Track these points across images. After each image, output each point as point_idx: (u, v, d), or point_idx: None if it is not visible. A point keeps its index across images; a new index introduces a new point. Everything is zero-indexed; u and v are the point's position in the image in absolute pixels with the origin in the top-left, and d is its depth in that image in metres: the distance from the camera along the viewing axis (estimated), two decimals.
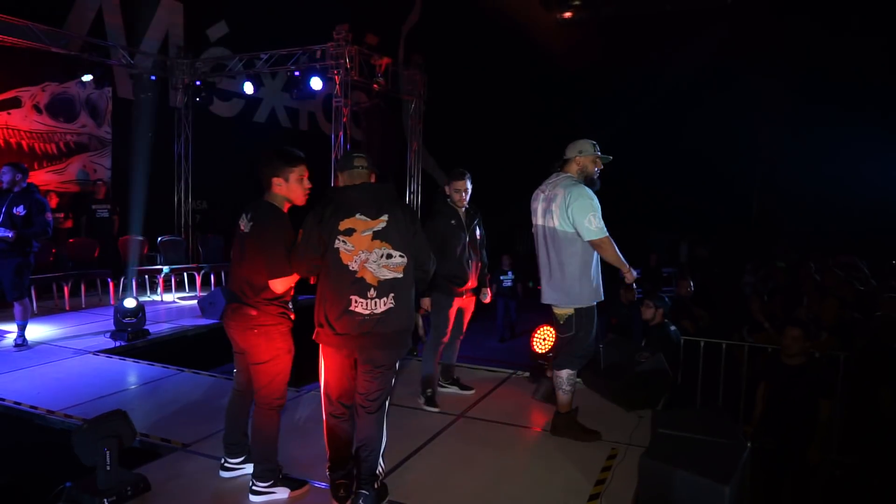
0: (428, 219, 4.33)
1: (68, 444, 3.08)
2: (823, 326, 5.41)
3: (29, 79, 8.62)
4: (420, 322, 5.20)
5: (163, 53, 10.37)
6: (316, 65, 9.27)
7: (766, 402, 4.33)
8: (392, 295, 2.86)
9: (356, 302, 2.83)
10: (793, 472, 4.13)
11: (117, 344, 6.09)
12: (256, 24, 11.29)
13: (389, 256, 2.84)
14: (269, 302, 2.99)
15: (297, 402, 4.52)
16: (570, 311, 3.75)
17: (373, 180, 3.03)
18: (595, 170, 3.81)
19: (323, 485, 3.25)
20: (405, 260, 2.88)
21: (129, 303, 6.21)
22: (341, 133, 9.05)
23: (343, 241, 2.83)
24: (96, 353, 5.85)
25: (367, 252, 2.83)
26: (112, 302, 7.95)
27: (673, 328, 5.27)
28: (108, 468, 3.01)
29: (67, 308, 7.74)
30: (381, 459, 2.99)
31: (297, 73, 9.48)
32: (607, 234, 3.63)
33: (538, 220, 3.86)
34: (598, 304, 3.88)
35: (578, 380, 4.20)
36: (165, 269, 8.73)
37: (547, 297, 3.86)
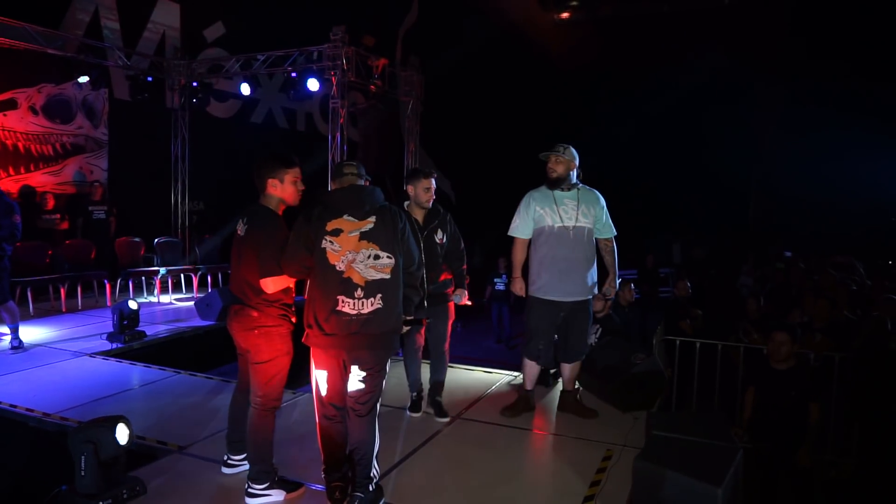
0: None
1: (64, 447, 3.09)
2: (816, 328, 5.42)
3: (25, 80, 8.62)
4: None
5: (159, 55, 10.37)
6: (313, 66, 9.27)
7: (754, 407, 4.32)
8: (380, 296, 2.88)
9: (343, 302, 2.85)
10: (786, 475, 4.14)
11: (114, 346, 6.09)
12: (253, 25, 11.31)
13: (377, 257, 2.88)
14: (269, 304, 3.06)
15: (293, 404, 4.53)
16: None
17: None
18: (550, 170, 4.10)
19: (319, 487, 3.26)
20: (392, 261, 2.91)
21: (132, 304, 6.22)
22: (338, 134, 9.05)
23: (330, 242, 2.86)
24: (93, 355, 5.85)
25: (354, 252, 2.86)
26: (109, 303, 7.96)
27: (617, 319, 5.67)
28: (83, 473, 2.98)
29: (64, 310, 7.74)
30: (374, 462, 3.00)
31: (294, 75, 9.48)
32: (514, 235, 4.20)
33: None
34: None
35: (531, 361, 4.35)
36: (162, 270, 8.73)
37: None
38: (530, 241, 4.18)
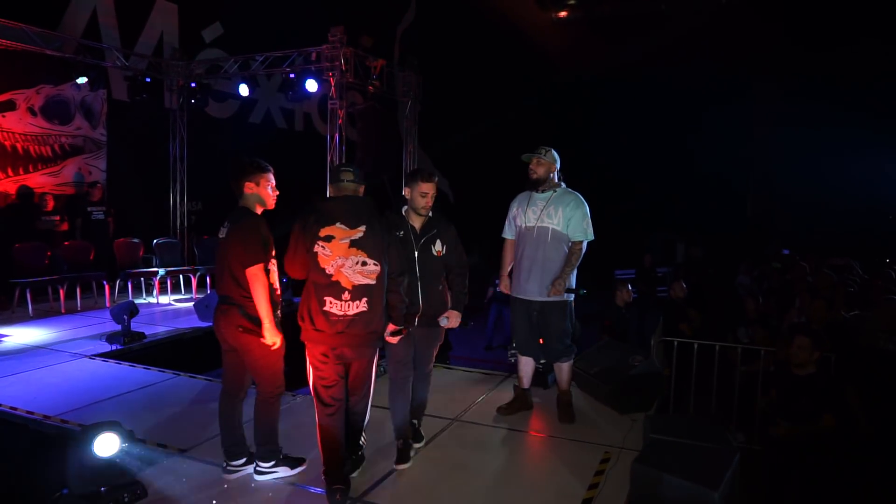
0: None
1: (65, 449, 3.11)
2: (814, 328, 5.43)
3: (23, 81, 8.61)
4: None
5: (157, 55, 10.36)
6: (311, 66, 9.27)
7: (770, 410, 4.26)
8: (365, 299, 3.11)
9: (331, 303, 3.09)
10: (795, 479, 4.11)
11: (113, 347, 6.10)
12: (252, 25, 11.30)
13: (364, 264, 3.11)
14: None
15: (291, 407, 4.53)
16: None
17: (361, 192, 3.31)
18: (531, 173, 4.20)
19: (318, 490, 3.30)
20: (378, 268, 3.14)
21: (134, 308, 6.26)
22: (336, 135, 9.06)
23: (322, 247, 3.09)
24: (92, 356, 5.86)
25: (344, 258, 3.09)
26: (108, 304, 7.97)
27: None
28: (77, 477, 3.04)
29: (63, 311, 7.74)
30: (364, 424, 3.47)
31: (292, 75, 9.48)
32: (503, 236, 4.41)
33: None
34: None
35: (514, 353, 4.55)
36: (161, 271, 8.73)
37: None
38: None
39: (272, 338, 3.18)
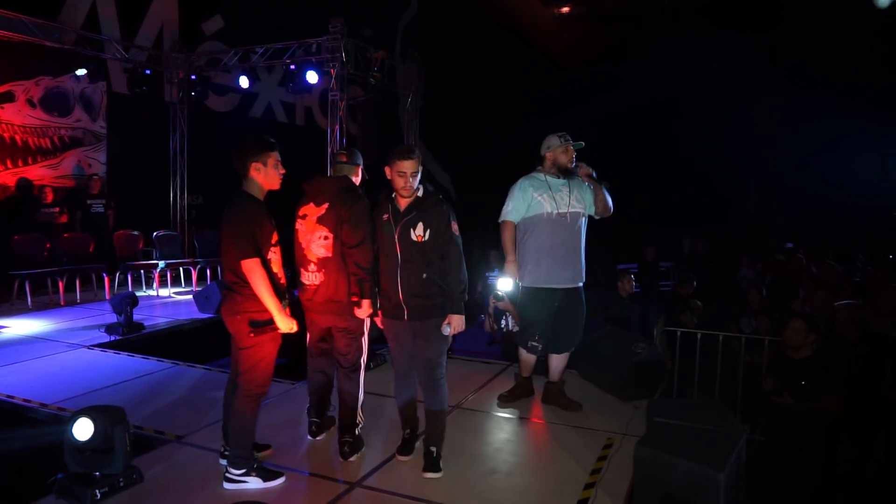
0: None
1: (61, 435, 3.07)
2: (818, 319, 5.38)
3: (22, 73, 8.56)
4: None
5: (157, 47, 10.32)
6: (311, 58, 9.22)
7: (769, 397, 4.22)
8: (324, 271, 3.37)
9: (304, 274, 3.46)
10: (794, 469, 4.07)
11: (112, 338, 6.06)
12: (252, 18, 11.26)
13: (326, 238, 3.36)
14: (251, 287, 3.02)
15: (292, 394, 4.50)
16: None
17: (357, 173, 3.56)
18: (568, 159, 4.04)
19: (320, 477, 3.27)
20: (330, 241, 3.34)
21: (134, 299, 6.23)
22: (337, 127, 9.01)
23: (300, 224, 3.46)
24: (91, 347, 5.82)
25: (311, 234, 3.39)
26: (108, 297, 7.93)
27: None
28: (128, 448, 3.06)
29: (62, 303, 7.71)
30: (359, 410, 3.52)
31: (292, 67, 9.43)
32: (507, 219, 4.11)
33: None
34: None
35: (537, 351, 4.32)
36: (161, 263, 8.69)
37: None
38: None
39: (286, 325, 3.07)
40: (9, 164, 8.45)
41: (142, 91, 9.78)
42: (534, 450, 3.67)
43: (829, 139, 13.59)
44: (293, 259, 3.48)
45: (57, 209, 8.52)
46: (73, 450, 3.04)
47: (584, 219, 4.11)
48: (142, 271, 8.81)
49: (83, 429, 2.99)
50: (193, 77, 10.27)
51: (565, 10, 16.60)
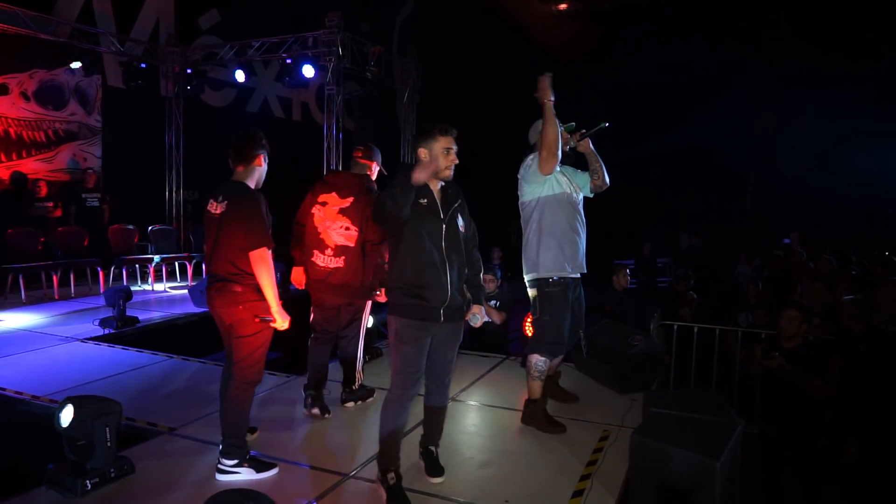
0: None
1: (52, 426, 3.03)
2: (815, 312, 5.37)
3: (16, 66, 8.51)
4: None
5: (153, 41, 10.26)
6: (308, 52, 9.18)
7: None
8: (343, 258, 3.72)
9: (316, 255, 3.78)
10: (791, 460, 4.06)
11: (106, 331, 6.01)
12: (249, 12, 11.19)
13: (347, 229, 3.73)
14: (253, 278, 3.04)
15: (285, 387, 4.47)
16: (535, 292, 3.72)
17: (372, 168, 3.95)
18: (563, 143, 3.70)
19: (304, 465, 3.26)
20: (357, 233, 3.71)
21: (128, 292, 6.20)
22: (333, 121, 8.97)
23: (318, 209, 3.79)
24: (84, 340, 5.78)
25: (331, 222, 3.74)
26: (102, 291, 7.88)
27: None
28: (109, 444, 2.99)
29: (56, 297, 7.65)
30: (358, 371, 4.05)
31: (289, 61, 9.39)
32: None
33: None
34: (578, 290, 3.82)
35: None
36: (156, 258, 8.64)
37: (524, 270, 3.81)
38: (534, 209, 3.71)
39: (282, 321, 3.06)
40: (2, 157, 8.40)
41: (137, 85, 9.73)
42: (530, 442, 3.64)
43: (827, 135, 13.59)
44: (286, 237, 3.82)
45: (51, 203, 8.47)
46: (68, 439, 3.01)
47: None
48: (137, 266, 8.76)
49: (66, 415, 2.97)
50: (189, 71, 10.22)
51: (563, 6, 16.57)
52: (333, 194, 3.75)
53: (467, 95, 14.63)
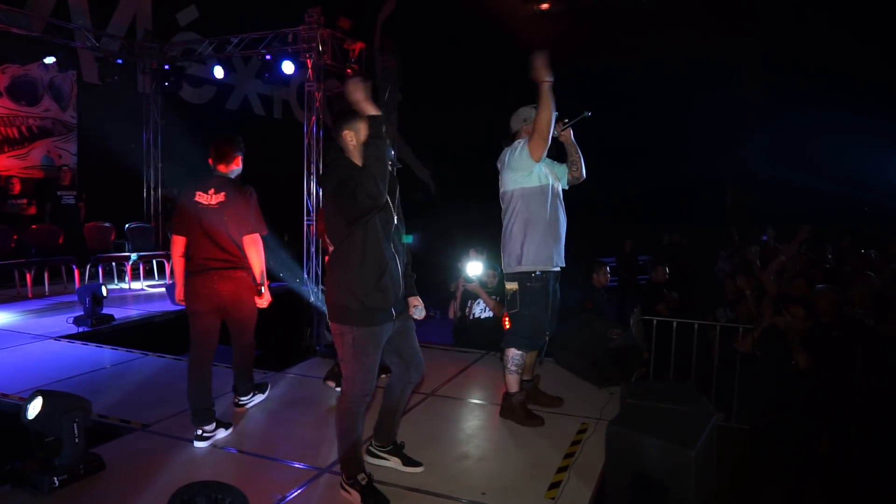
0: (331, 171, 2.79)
1: (19, 423, 2.96)
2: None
3: None
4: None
5: (130, 37, 10.11)
6: (287, 48, 9.09)
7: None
8: None
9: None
10: (781, 454, 4.10)
11: (80, 329, 5.91)
12: (227, 8, 11.04)
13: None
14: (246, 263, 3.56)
15: (273, 382, 4.41)
16: (515, 286, 3.62)
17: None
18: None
19: (280, 460, 3.20)
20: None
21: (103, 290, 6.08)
22: (314, 118, 8.90)
23: None
24: (57, 338, 5.67)
25: None
26: (77, 289, 7.74)
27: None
28: (77, 441, 2.94)
29: (30, 296, 7.51)
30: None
31: (268, 58, 9.29)
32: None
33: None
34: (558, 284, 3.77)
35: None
36: (133, 256, 8.51)
37: (504, 263, 3.71)
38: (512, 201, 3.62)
39: (267, 298, 3.67)
40: None
41: (113, 81, 9.59)
42: (508, 435, 3.63)
43: (806, 132, 13.77)
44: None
45: (24, 200, 8.31)
46: (35, 435, 2.94)
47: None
48: (113, 264, 8.62)
49: (34, 408, 2.91)
50: (167, 67, 10.07)
51: (545, 6, 16.62)
52: None
53: (449, 93, 14.63)
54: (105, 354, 5.26)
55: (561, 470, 3.14)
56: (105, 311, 6.18)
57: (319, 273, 8.39)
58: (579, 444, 3.45)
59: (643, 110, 15.18)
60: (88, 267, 8.19)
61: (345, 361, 2.75)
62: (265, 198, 3.70)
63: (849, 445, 4.38)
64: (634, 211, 15.32)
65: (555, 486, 2.99)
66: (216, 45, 9.80)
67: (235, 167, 3.61)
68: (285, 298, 4.21)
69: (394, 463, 3.11)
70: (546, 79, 3.36)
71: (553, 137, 3.52)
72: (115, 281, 8.66)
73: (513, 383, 3.74)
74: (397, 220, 2.83)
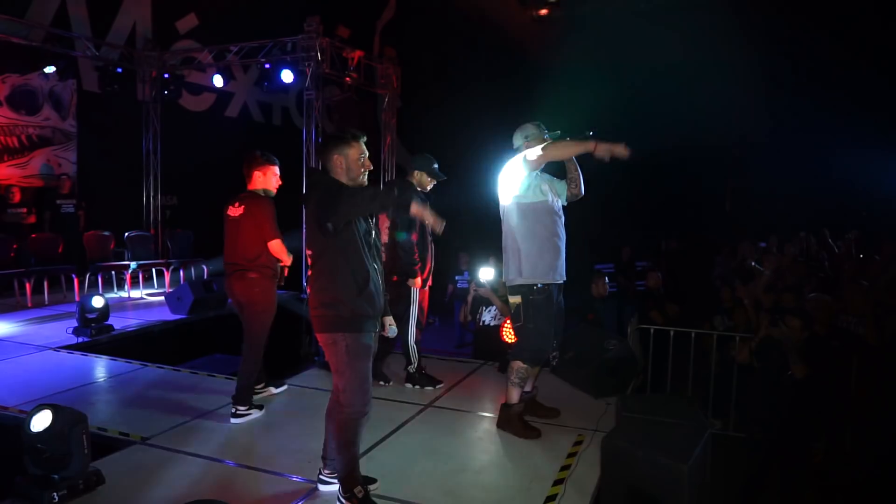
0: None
1: (20, 438, 2.98)
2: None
3: None
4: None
5: (130, 46, 10.15)
6: (287, 57, 9.14)
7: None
8: (386, 254, 4.22)
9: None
10: (775, 465, 4.12)
11: (80, 340, 5.93)
12: (227, 17, 11.10)
13: (388, 227, 4.53)
14: (263, 266, 4.03)
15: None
16: (518, 299, 3.65)
17: (414, 176, 4.63)
18: None
19: (287, 476, 3.22)
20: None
21: (97, 301, 6.07)
22: (313, 126, 8.94)
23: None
24: (57, 349, 5.69)
25: (382, 224, 4.40)
26: (77, 299, 7.76)
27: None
28: (87, 453, 2.98)
29: (30, 305, 7.53)
30: (411, 353, 4.62)
31: (267, 66, 9.34)
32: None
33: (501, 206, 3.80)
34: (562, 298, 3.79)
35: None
36: (133, 264, 8.53)
37: (505, 276, 3.75)
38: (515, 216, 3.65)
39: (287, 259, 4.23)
40: None
41: (113, 89, 9.60)
42: (504, 447, 3.66)
43: (807, 139, 13.81)
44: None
45: (24, 209, 8.33)
46: (31, 450, 2.96)
47: None
48: (113, 272, 8.64)
49: (41, 420, 2.91)
50: (167, 75, 10.12)
51: (543, 11, 16.67)
52: None
53: (448, 100, 14.67)
54: (104, 366, 5.28)
55: (557, 483, 3.16)
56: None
57: None
58: (575, 456, 3.47)
59: (641, 115, 15.23)
60: (88, 276, 8.21)
61: (340, 372, 2.78)
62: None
63: (844, 455, 4.41)
64: (634, 217, 15.35)
65: (551, 499, 3.01)
66: (216, 53, 9.85)
67: (259, 182, 4.11)
68: (284, 307, 4.36)
69: None
70: (600, 154, 3.42)
71: None
72: (115, 289, 8.67)
73: (514, 395, 3.78)
74: (376, 234, 2.93)
